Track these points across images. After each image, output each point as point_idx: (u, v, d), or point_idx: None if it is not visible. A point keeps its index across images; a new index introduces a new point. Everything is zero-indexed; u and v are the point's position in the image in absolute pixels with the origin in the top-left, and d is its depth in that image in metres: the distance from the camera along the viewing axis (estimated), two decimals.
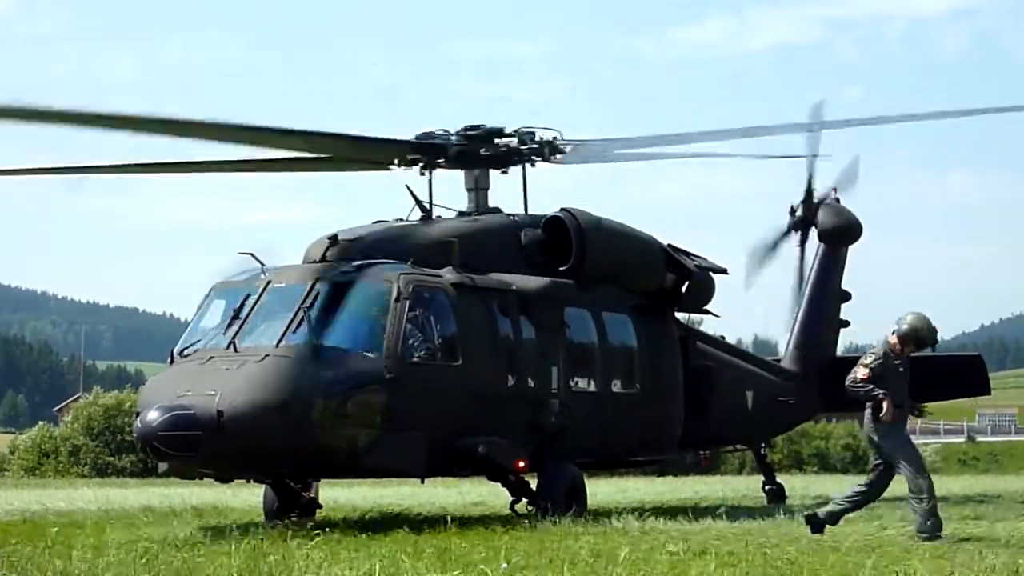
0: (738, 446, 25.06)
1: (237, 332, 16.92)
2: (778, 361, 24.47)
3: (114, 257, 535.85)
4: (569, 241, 19.31)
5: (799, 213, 24.28)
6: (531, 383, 18.46)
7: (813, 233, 24.50)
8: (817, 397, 24.37)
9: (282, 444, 16.12)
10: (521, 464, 17.89)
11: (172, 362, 17.25)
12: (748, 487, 28.12)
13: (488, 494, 24.54)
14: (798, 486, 28.29)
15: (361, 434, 16.52)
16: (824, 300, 24.74)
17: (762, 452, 23.82)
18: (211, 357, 16.69)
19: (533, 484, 18.32)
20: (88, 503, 23.35)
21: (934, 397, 25.57)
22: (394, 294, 16.99)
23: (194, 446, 15.67)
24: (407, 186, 19.49)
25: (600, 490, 25.80)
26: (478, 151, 19.93)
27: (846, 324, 25.04)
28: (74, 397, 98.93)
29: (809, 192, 24.21)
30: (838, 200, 24.39)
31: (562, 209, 19.55)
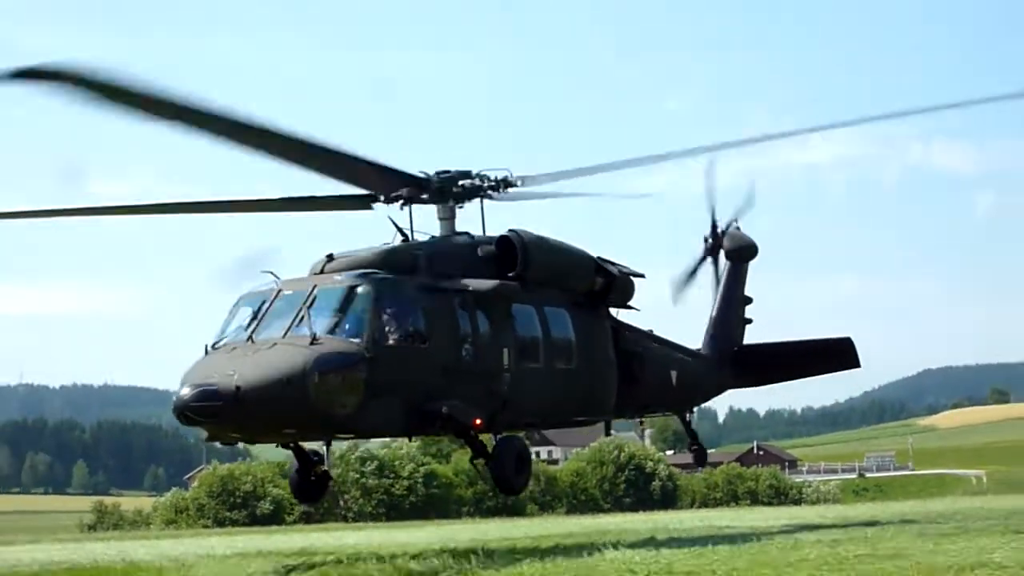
0: (667, 413, 29.35)
1: (255, 328, 20.88)
2: (697, 350, 29.33)
3: None
4: (516, 254, 23.27)
5: (709, 241, 29.86)
6: (486, 361, 22.26)
7: (722, 253, 30.12)
8: (728, 375, 29.50)
9: (286, 411, 19.89)
10: (478, 422, 21.70)
11: (206, 353, 20.96)
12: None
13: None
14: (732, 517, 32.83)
15: (349, 401, 20.29)
16: (732, 303, 30.19)
17: (687, 419, 28.62)
18: (234, 348, 20.63)
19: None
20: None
21: (811, 372, 29.60)
22: (374, 295, 20.95)
23: (217, 414, 19.59)
24: (390, 217, 23.53)
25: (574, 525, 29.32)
26: (448, 188, 23.68)
27: (750, 321, 30.35)
28: (199, 469, 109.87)
29: (714, 223, 29.76)
30: (738, 227, 29.92)
31: (510, 229, 23.54)
